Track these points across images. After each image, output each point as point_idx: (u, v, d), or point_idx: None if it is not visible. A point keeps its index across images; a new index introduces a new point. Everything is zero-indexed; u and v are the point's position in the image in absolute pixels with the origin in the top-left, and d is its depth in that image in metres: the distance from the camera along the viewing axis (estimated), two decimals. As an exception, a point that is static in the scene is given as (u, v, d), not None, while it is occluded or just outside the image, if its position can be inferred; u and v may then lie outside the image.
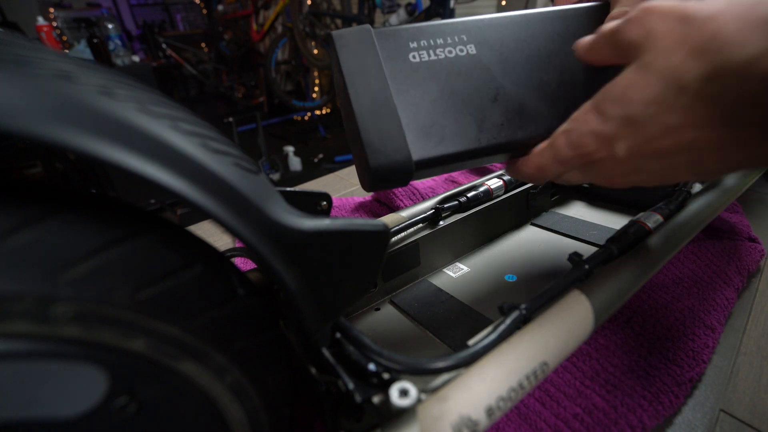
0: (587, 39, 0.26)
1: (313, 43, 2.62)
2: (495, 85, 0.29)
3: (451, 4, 1.72)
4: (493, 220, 0.52)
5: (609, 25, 0.23)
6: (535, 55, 0.31)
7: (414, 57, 0.29)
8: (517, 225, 0.56)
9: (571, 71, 0.31)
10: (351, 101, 0.27)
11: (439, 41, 0.29)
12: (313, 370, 0.25)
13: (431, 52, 0.29)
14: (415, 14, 1.92)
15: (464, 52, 0.29)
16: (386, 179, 0.27)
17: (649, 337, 0.41)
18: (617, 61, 0.23)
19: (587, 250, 0.33)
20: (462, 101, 0.29)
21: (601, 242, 0.35)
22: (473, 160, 0.29)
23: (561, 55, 0.31)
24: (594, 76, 0.30)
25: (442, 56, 0.29)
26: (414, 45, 0.29)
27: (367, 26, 0.28)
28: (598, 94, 0.23)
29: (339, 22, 2.48)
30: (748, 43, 0.16)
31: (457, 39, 0.30)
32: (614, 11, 0.30)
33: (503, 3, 1.99)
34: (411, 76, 0.28)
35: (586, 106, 0.24)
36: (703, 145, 0.19)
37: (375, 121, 0.27)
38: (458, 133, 0.28)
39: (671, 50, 0.19)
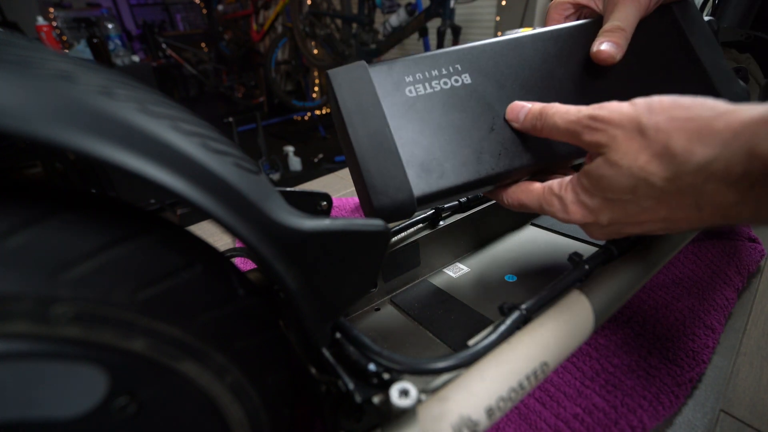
0: (552, 123, 0.27)
1: (313, 43, 2.62)
2: (492, 114, 0.30)
3: (451, 4, 1.72)
4: (493, 220, 0.52)
5: (570, 125, 0.25)
6: (530, 80, 0.31)
7: (410, 91, 0.29)
8: (517, 225, 0.56)
9: (566, 93, 0.31)
10: (351, 141, 0.27)
11: (434, 72, 0.30)
12: (313, 370, 0.25)
13: (427, 85, 0.29)
14: (415, 14, 1.92)
15: (459, 83, 0.30)
16: (390, 217, 0.28)
17: (649, 337, 0.41)
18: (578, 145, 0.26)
19: (587, 250, 0.33)
20: (460, 133, 0.29)
21: (601, 242, 0.35)
22: (473, 190, 0.30)
23: (556, 77, 0.31)
24: (588, 98, 0.30)
25: (438, 88, 0.29)
26: (410, 79, 0.29)
27: (362, 63, 0.29)
28: (583, 173, 0.25)
29: (339, 22, 2.48)
30: (694, 155, 0.20)
31: (452, 69, 0.30)
32: (607, 26, 0.31)
33: (503, 3, 1.99)
34: (409, 112, 0.29)
35: (575, 178, 0.26)
36: (675, 218, 0.23)
37: (376, 161, 0.27)
38: (458, 165, 0.29)
39: (635, 154, 0.22)
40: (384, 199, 0.27)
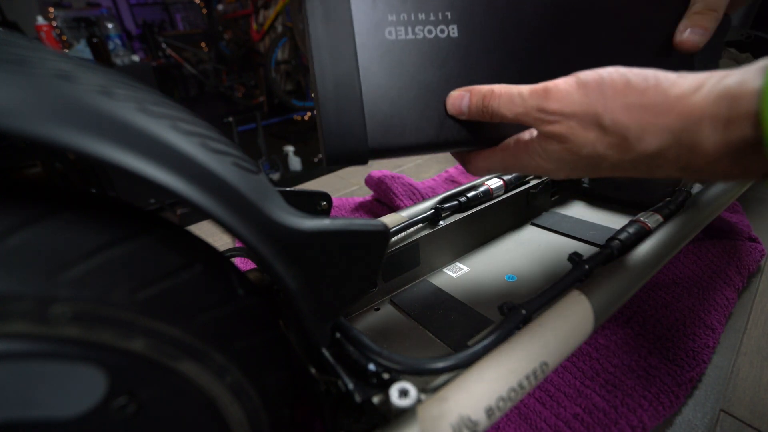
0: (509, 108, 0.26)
1: (313, 43, 2.61)
2: (468, 78, 0.28)
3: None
4: (493, 220, 0.52)
5: (518, 116, 0.25)
6: (520, 48, 0.29)
7: (390, 33, 0.26)
8: (517, 225, 0.56)
9: (560, 64, 0.29)
10: (315, 74, 0.25)
11: (421, 16, 0.27)
12: (313, 370, 0.25)
13: (410, 29, 0.27)
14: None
15: (445, 34, 0.27)
16: (339, 161, 0.27)
17: (649, 337, 0.41)
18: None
19: (587, 250, 0.33)
20: (430, 93, 0.27)
21: (601, 242, 0.35)
22: (428, 151, 0.29)
23: (555, 48, 0.29)
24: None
25: (421, 36, 0.27)
26: (393, 18, 0.26)
27: None
28: (543, 146, 0.25)
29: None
30: (649, 146, 0.21)
31: (440, 16, 0.27)
32: (696, 6, 0.29)
33: None
34: (383, 57, 0.26)
35: (535, 145, 0.26)
36: (632, 174, 0.24)
37: (337, 103, 0.26)
38: (420, 126, 0.27)
39: (593, 143, 0.23)
40: (337, 143, 0.26)
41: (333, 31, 0.25)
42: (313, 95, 0.29)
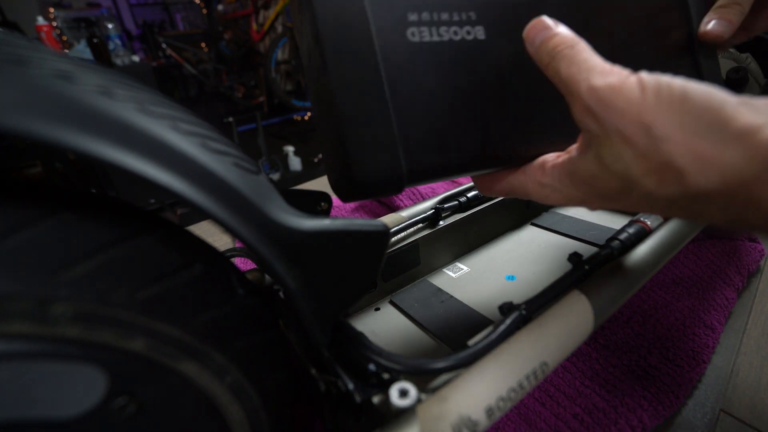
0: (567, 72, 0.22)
1: (313, 43, 2.61)
2: (502, 85, 0.25)
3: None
4: (493, 220, 0.52)
5: (570, 80, 0.21)
6: None
7: (413, 34, 0.23)
8: (517, 225, 0.56)
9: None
10: (331, 88, 0.21)
11: (444, 16, 0.24)
12: (313, 370, 0.25)
13: (434, 30, 0.24)
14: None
15: (471, 36, 0.25)
16: (370, 191, 0.23)
17: (649, 337, 0.41)
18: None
19: (587, 250, 0.33)
20: (464, 103, 0.24)
21: (601, 242, 0.35)
22: (470, 170, 0.26)
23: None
24: None
25: (446, 38, 0.24)
26: (414, 18, 0.23)
27: None
28: (570, 165, 0.23)
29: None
30: (695, 185, 0.17)
31: (464, 17, 0.24)
32: (721, 1, 0.28)
33: None
34: (408, 61, 0.23)
35: (563, 168, 0.24)
36: (661, 213, 0.22)
37: (362, 119, 0.21)
38: (457, 141, 0.24)
39: (630, 160, 0.19)
40: (368, 170, 0.21)
41: (348, 30, 0.21)
42: (316, 114, 0.25)
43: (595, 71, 0.20)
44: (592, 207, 0.24)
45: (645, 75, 0.19)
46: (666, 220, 0.38)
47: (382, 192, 0.23)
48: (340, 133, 0.21)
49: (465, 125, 0.24)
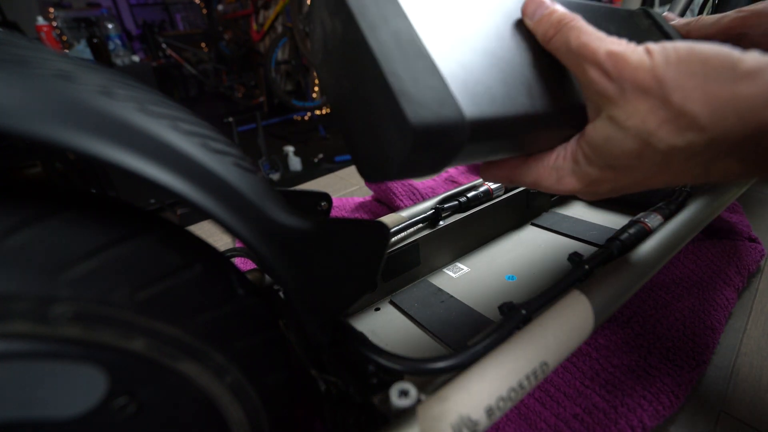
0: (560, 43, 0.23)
1: (313, 43, 2.62)
2: (519, 49, 0.23)
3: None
4: (493, 220, 0.52)
5: (582, 50, 0.21)
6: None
7: None
8: (517, 225, 0.56)
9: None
10: (365, 36, 0.19)
11: None
12: (313, 370, 0.25)
13: None
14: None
15: None
16: (433, 139, 0.19)
17: (649, 337, 0.41)
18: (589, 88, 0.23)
19: (587, 250, 0.33)
20: (502, 55, 0.22)
21: (601, 242, 0.35)
22: (525, 126, 0.23)
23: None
24: None
25: None
26: None
27: None
28: (581, 140, 0.23)
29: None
30: (710, 128, 0.18)
31: None
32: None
33: None
34: (436, 12, 0.21)
35: (574, 146, 0.24)
36: (679, 181, 0.22)
37: (405, 62, 0.19)
38: (509, 93, 0.22)
39: (644, 115, 0.19)
40: (424, 112, 0.18)
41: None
42: (339, 100, 0.23)
43: (606, 40, 0.21)
44: (604, 188, 0.23)
45: (650, 44, 0.20)
46: (666, 220, 0.38)
47: (446, 142, 0.19)
48: (388, 83, 0.18)
49: (509, 79, 0.22)
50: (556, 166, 0.24)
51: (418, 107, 0.18)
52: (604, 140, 0.22)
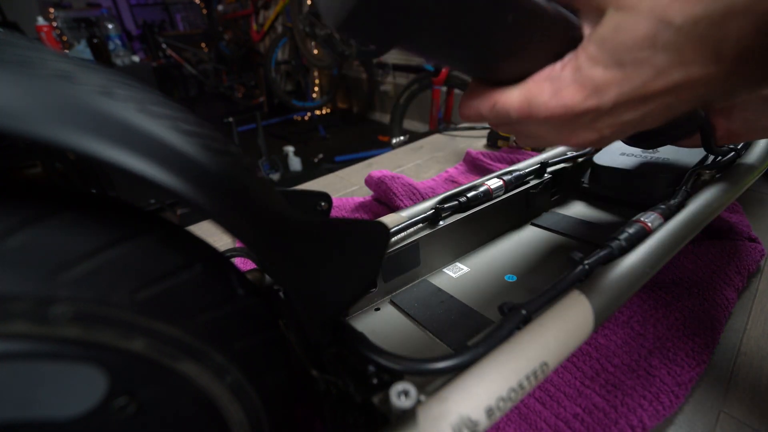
0: None
1: (313, 43, 2.62)
2: None
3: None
4: (493, 220, 0.52)
5: None
6: None
7: None
8: (517, 225, 0.56)
9: None
10: None
11: None
12: (313, 371, 0.25)
13: None
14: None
15: None
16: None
17: (649, 337, 0.41)
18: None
19: (587, 250, 0.33)
20: None
21: (601, 242, 0.35)
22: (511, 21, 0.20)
23: None
24: None
25: None
26: None
27: None
28: (589, 39, 0.21)
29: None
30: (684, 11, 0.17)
31: None
32: None
33: None
34: None
35: (578, 51, 0.21)
36: (685, 84, 0.20)
37: None
38: None
39: None
40: None
41: None
42: None
43: None
44: (609, 96, 0.21)
45: None
46: (666, 220, 0.38)
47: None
48: None
49: None
50: (551, 77, 0.22)
51: None
52: (613, 30, 0.20)
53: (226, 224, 0.17)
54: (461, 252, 0.50)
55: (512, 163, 0.77)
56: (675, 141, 0.46)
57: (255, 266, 0.36)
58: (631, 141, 0.46)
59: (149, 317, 0.17)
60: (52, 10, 2.23)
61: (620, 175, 0.56)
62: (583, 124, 0.22)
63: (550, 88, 0.21)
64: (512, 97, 0.22)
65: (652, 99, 0.21)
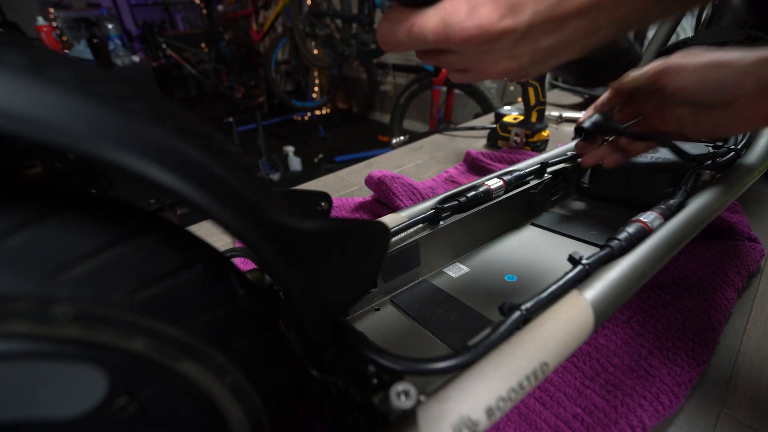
0: None
1: (313, 43, 2.62)
2: None
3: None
4: (493, 220, 0.52)
5: None
6: None
7: None
8: (517, 225, 0.56)
9: None
10: None
11: None
12: (313, 371, 0.25)
13: None
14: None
15: None
16: None
17: (649, 337, 0.41)
18: None
19: (587, 250, 0.33)
20: None
21: (601, 242, 0.35)
22: None
23: None
24: None
25: None
26: None
27: None
28: None
29: (339, 22, 2.48)
30: None
31: None
32: None
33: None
34: None
35: None
36: (599, 4, 0.19)
37: None
38: None
39: None
40: None
41: None
42: None
43: None
44: (526, 14, 0.20)
45: None
46: (666, 220, 0.38)
47: None
48: None
49: None
50: None
51: None
52: None
53: (226, 224, 0.17)
54: (461, 252, 0.50)
55: (512, 163, 0.77)
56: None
57: (255, 266, 0.36)
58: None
59: (149, 317, 0.17)
60: (52, 10, 2.23)
61: (620, 175, 0.56)
62: (501, 50, 0.22)
63: (466, 6, 0.21)
64: (428, 18, 0.22)
65: (568, 21, 0.20)
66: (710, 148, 0.53)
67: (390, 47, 0.24)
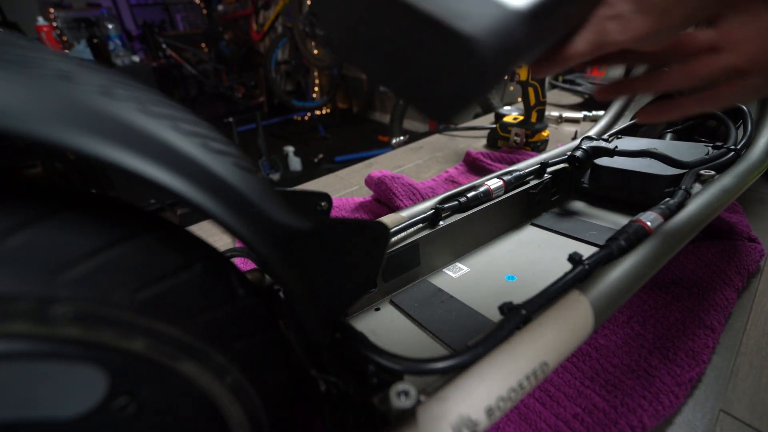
0: None
1: (313, 43, 2.62)
2: None
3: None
4: (493, 220, 0.52)
5: None
6: None
7: None
8: (517, 225, 0.56)
9: None
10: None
11: None
12: (313, 370, 0.25)
13: None
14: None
15: None
16: (495, 57, 0.18)
17: (649, 337, 0.41)
18: None
19: (587, 250, 0.33)
20: None
21: (601, 242, 0.35)
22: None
23: None
24: None
25: None
26: None
27: None
28: None
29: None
30: None
31: None
32: None
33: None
34: None
35: None
36: None
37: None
38: None
39: None
40: (475, 21, 0.18)
41: None
42: (380, 60, 0.22)
43: None
44: (671, 19, 0.22)
45: None
46: (666, 220, 0.38)
47: (507, 53, 0.19)
48: (427, 12, 0.18)
49: None
50: (614, 14, 0.23)
51: (467, 18, 0.18)
52: None
53: (226, 224, 0.17)
54: (461, 252, 0.50)
55: (512, 163, 0.77)
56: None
57: (255, 266, 0.36)
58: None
59: (149, 317, 0.17)
60: (52, 10, 2.23)
61: (620, 175, 0.56)
62: (650, 39, 0.23)
63: (616, 23, 0.23)
64: (585, 43, 0.23)
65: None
66: (710, 149, 0.53)
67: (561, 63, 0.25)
